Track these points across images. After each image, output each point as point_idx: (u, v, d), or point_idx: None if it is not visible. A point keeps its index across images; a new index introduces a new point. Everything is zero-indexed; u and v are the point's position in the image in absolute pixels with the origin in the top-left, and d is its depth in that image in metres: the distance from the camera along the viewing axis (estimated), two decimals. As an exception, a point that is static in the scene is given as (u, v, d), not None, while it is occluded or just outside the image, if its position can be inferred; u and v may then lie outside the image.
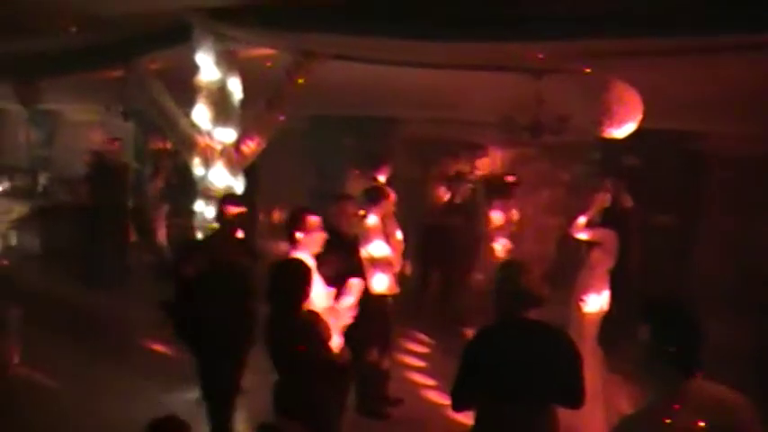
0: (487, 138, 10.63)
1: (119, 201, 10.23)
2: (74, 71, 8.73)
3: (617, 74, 5.82)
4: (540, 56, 5.56)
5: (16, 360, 7.73)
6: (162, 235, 8.82)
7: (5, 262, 8.54)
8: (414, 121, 10.40)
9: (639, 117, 5.79)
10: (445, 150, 10.16)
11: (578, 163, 10.96)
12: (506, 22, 4.82)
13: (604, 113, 5.83)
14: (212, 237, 6.30)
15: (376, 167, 8.08)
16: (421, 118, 10.22)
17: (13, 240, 13.73)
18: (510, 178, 10.17)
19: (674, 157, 9.66)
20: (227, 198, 6.18)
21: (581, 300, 6.55)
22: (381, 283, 6.82)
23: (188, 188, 7.42)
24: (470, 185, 10.15)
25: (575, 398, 4.09)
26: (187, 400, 7.01)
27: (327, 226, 5.47)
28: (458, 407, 4.23)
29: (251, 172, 7.22)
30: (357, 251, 6.49)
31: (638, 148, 8.71)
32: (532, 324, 4.12)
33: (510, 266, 4.43)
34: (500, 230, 9.82)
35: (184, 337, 5.84)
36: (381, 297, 6.86)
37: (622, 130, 5.84)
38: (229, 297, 5.55)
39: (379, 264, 6.77)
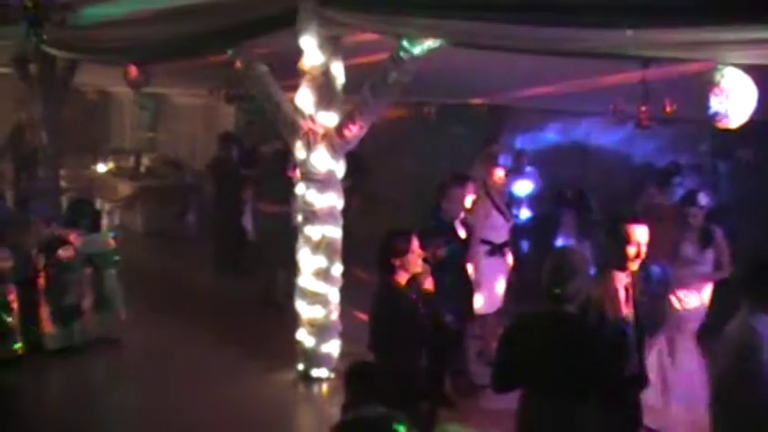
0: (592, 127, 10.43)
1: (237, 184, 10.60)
2: (183, 56, 8.85)
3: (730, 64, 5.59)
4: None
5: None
6: (247, 218, 9.15)
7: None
8: (521, 110, 10.25)
9: (754, 107, 5.56)
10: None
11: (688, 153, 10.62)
12: (613, 9, 4.67)
13: (720, 103, 5.61)
14: None
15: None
16: (525, 106, 10.05)
17: (117, 219, 14.28)
18: None
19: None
20: None
21: None
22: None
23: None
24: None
25: None
26: (287, 380, 7.18)
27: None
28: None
29: (354, 157, 7.30)
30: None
31: (752, 139, 8.39)
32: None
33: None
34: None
35: None
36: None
37: (737, 120, 5.62)
38: None
39: None
